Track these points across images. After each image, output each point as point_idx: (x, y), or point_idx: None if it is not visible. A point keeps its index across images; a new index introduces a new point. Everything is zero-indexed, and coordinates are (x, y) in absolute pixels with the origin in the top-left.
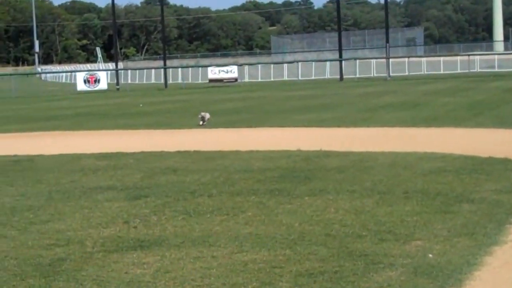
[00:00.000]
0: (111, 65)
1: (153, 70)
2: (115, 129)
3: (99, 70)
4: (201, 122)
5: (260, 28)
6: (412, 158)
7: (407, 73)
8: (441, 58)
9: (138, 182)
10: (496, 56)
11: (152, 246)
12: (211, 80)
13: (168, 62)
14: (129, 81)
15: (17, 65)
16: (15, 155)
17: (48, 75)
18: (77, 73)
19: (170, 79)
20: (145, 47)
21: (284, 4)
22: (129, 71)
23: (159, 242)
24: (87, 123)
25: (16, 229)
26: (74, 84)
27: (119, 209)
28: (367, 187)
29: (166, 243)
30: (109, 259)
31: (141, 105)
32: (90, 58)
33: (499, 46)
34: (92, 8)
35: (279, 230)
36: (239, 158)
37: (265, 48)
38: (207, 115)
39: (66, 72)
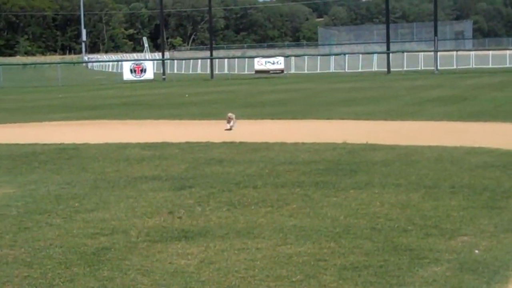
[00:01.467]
0: (158, 55)
1: (199, 61)
2: (160, 119)
3: (145, 59)
4: (228, 126)
5: (307, 19)
6: (459, 153)
7: (455, 67)
8: (490, 52)
9: (183, 172)
10: None
11: (197, 236)
12: (257, 71)
13: (215, 53)
14: (175, 71)
15: (64, 53)
16: (61, 144)
17: (94, 64)
18: (124, 63)
19: (216, 70)
20: (192, 37)
21: None
22: (176, 61)
23: (203, 233)
24: (133, 113)
25: (61, 217)
26: (121, 74)
27: (163, 199)
28: (413, 181)
29: (210, 234)
30: (154, 249)
31: (187, 95)
32: (137, 47)
33: None
34: None
35: (324, 223)
36: (285, 150)
37: (312, 40)
38: (233, 118)
39: (113, 61)
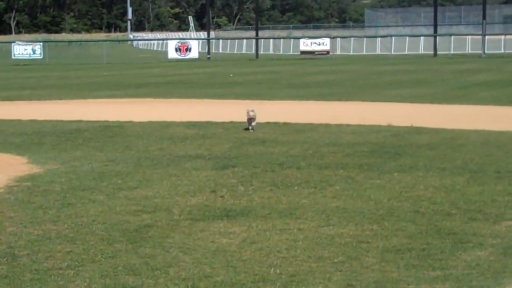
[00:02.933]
0: (203, 34)
1: (244, 40)
2: (205, 98)
3: (190, 38)
4: (249, 127)
5: (354, 1)
6: (505, 137)
7: (503, 51)
8: None
9: (226, 151)
10: None
11: (239, 216)
12: (302, 52)
13: (260, 33)
14: (220, 51)
15: (110, 31)
16: (105, 121)
17: (139, 42)
18: (169, 41)
19: (262, 50)
20: (237, 17)
21: None
22: (221, 40)
23: (245, 213)
24: (177, 92)
25: (104, 194)
26: (166, 52)
27: (206, 178)
28: (458, 165)
29: (252, 213)
30: (196, 228)
31: (231, 75)
32: (182, 26)
33: None
34: None
35: (367, 205)
36: (329, 132)
37: (358, 22)
38: (249, 113)
39: (158, 40)
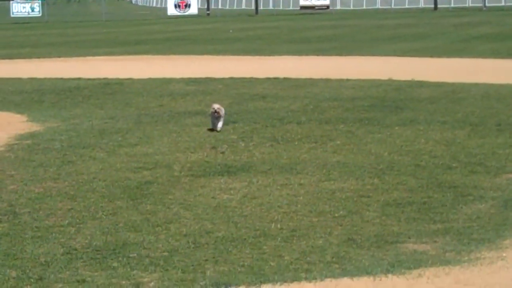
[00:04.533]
0: None
1: None
2: (204, 54)
3: None
4: (219, 125)
5: None
6: (506, 91)
7: (503, 4)
8: None
9: (226, 108)
10: None
11: (240, 172)
12: (302, 7)
13: None
14: (220, 7)
15: None
16: (105, 78)
17: None
18: None
19: (261, 5)
20: None
21: None
22: None
23: (246, 168)
24: (177, 48)
25: (105, 151)
26: (165, 9)
27: (207, 134)
28: (459, 118)
29: (253, 169)
30: (196, 184)
31: (231, 30)
32: None
33: None
34: None
35: (367, 160)
36: (329, 86)
37: None
38: (214, 107)
39: None
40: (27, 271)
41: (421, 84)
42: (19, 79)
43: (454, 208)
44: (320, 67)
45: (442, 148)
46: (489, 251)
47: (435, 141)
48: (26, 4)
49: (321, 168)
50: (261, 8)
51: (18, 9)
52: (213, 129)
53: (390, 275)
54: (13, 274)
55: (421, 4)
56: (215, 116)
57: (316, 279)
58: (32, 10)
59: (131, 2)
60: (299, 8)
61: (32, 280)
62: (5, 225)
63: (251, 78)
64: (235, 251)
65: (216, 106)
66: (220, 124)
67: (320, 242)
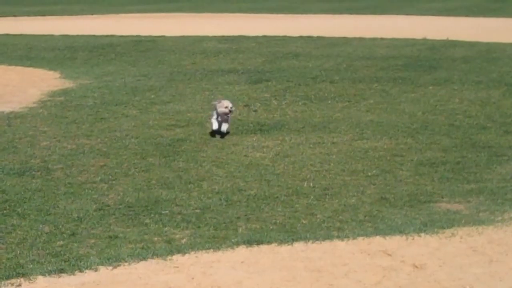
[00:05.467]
0: None
1: None
2: (237, 12)
3: None
4: (226, 127)
5: None
6: None
7: None
8: None
9: (259, 66)
10: None
11: (272, 130)
12: None
13: None
14: None
15: None
16: (137, 36)
17: None
18: None
19: None
20: None
21: None
22: None
23: (279, 127)
24: (210, 6)
25: (137, 108)
26: None
27: (239, 92)
28: (494, 78)
29: (286, 127)
30: (229, 142)
31: None
32: None
33: None
34: None
35: (401, 119)
36: (363, 45)
37: None
38: (228, 106)
39: None
40: (60, 226)
41: (456, 44)
42: (52, 36)
43: (488, 168)
44: (354, 26)
45: (477, 108)
46: None
47: (470, 101)
48: None
49: (354, 127)
50: None
51: None
52: (216, 132)
53: (423, 234)
54: (46, 229)
55: None
56: (225, 117)
57: (348, 237)
58: None
59: None
60: None
61: (65, 235)
62: (38, 181)
63: (284, 36)
64: (267, 209)
65: (229, 104)
66: (226, 126)
67: (353, 200)
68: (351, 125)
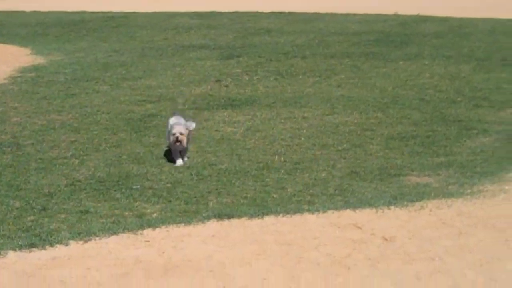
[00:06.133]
0: None
1: None
2: None
3: None
4: (179, 162)
5: None
6: None
7: None
8: None
9: (231, 41)
10: None
11: (243, 105)
12: None
13: None
14: None
15: None
16: (109, 12)
17: None
18: None
19: None
20: None
21: None
22: None
23: (250, 102)
24: None
25: (108, 84)
26: None
27: (211, 68)
28: (465, 53)
29: (257, 103)
30: (200, 117)
31: None
32: None
33: None
34: None
35: (372, 93)
36: (335, 21)
37: None
38: (176, 133)
39: None
40: (31, 201)
41: (427, 19)
42: (23, 12)
43: (458, 142)
44: (326, 2)
45: (447, 83)
46: (491, 184)
47: (440, 76)
48: None
49: (325, 102)
50: None
51: None
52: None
53: (392, 207)
54: (17, 204)
55: None
56: (178, 147)
57: (318, 210)
58: None
59: None
60: None
61: (35, 210)
62: (8, 157)
63: (256, 12)
64: (238, 183)
65: (179, 129)
66: (181, 160)
67: (323, 174)
68: (322, 100)
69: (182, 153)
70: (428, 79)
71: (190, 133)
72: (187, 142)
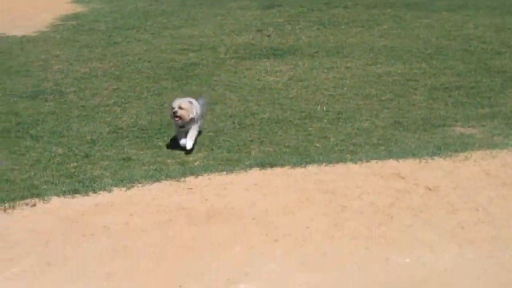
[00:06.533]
0: None
1: None
2: None
3: None
4: (183, 142)
5: None
6: None
7: None
8: None
9: None
10: None
11: (285, 54)
12: None
13: None
14: None
15: None
16: None
17: None
18: None
19: None
20: None
21: None
22: None
23: (292, 51)
24: None
25: (149, 33)
26: None
27: (252, 17)
28: (509, 4)
29: (299, 52)
30: (242, 66)
31: None
32: None
33: None
34: None
35: (415, 44)
36: None
37: None
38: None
39: None
40: (74, 148)
41: None
42: None
43: (502, 93)
44: None
45: (491, 34)
46: None
47: (485, 27)
48: None
49: (367, 52)
50: None
51: None
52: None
53: (436, 158)
54: (60, 151)
55: None
56: (178, 123)
57: (361, 160)
58: None
59: None
60: None
61: (78, 157)
62: (51, 104)
63: None
64: (280, 132)
65: (178, 102)
66: (185, 140)
67: (366, 124)
68: (365, 50)
69: (188, 132)
70: (472, 30)
71: (201, 108)
72: (196, 120)
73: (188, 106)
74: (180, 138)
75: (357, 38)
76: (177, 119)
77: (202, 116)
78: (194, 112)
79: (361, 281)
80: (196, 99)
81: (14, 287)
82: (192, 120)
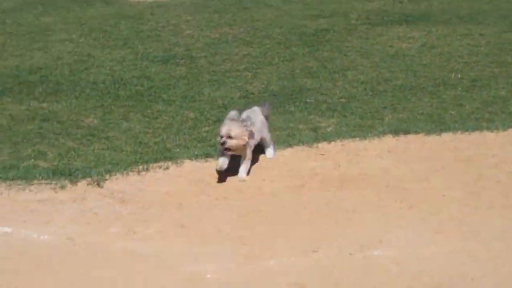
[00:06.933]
0: None
1: None
2: None
3: None
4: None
5: None
6: None
7: None
8: None
9: None
10: None
11: (418, 21)
12: None
13: None
14: None
15: None
16: None
17: None
18: None
19: None
20: None
21: None
22: None
23: (425, 18)
24: None
25: None
26: None
27: None
28: None
29: (432, 18)
30: (374, 32)
31: None
32: None
33: None
34: None
35: None
36: None
37: None
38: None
39: None
40: (205, 112)
41: None
42: None
43: None
44: None
45: None
46: None
47: None
48: None
49: (503, 19)
50: None
51: None
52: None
53: None
54: (192, 115)
55: None
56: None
57: (498, 129)
58: None
59: None
60: None
61: (210, 121)
62: (182, 69)
63: None
64: (414, 99)
65: (226, 128)
66: (242, 172)
67: (503, 92)
68: (500, 16)
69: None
70: None
71: (263, 120)
72: (251, 144)
73: (239, 133)
74: (221, 156)
75: (492, 4)
76: (226, 151)
77: (266, 127)
78: (247, 138)
79: (496, 250)
80: (260, 107)
81: (148, 248)
82: (245, 146)
